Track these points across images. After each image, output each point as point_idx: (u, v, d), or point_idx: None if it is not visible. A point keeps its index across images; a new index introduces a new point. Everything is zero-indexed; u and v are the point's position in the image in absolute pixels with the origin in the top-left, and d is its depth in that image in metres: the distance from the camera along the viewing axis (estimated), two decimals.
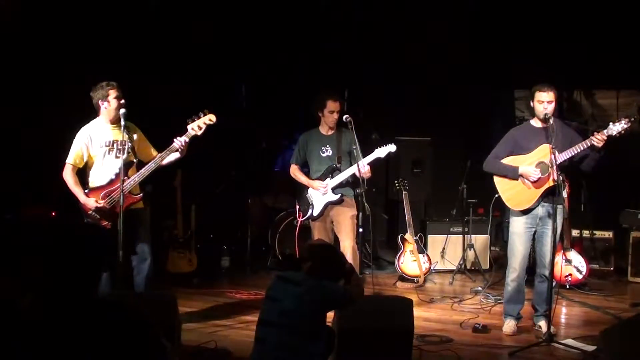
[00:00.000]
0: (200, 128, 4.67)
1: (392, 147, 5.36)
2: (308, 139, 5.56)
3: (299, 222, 5.62)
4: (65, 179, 4.69)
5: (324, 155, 5.46)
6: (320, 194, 5.41)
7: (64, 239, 2.09)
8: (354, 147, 5.21)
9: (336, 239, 5.46)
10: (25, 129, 6.23)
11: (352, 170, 5.29)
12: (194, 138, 4.70)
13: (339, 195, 5.40)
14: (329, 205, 5.42)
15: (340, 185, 5.41)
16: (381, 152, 5.34)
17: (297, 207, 5.61)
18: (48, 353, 1.95)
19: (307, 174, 5.59)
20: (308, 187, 5.48)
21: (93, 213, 4.61)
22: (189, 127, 4.68)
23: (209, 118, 4.69)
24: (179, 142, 4.66)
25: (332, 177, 5.40)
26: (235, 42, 7.51)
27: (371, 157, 5.32)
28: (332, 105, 5.37)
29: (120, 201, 4.44)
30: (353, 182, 5.41)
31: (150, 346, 2.08)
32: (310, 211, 5.46)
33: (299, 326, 3.29)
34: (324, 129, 5.51)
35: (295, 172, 5.60)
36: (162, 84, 6.93)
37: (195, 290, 6.20)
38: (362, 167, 5.18)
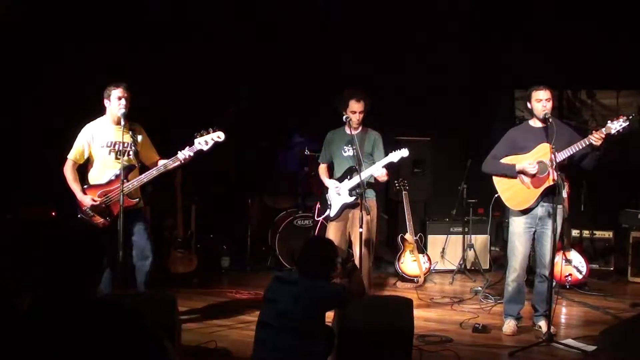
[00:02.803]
0: (207, 143, 4.68)
1: (404, 152, 5.21)
2: (333, 138, 5.53)
3: (319, 222, 5.62)
4: (65, 174, 4.71)
5: (345, 155, 5.41)
6: (336, 194, 5.37)
7: (63, 239, 2.09)
8: (354, 147, 5.20)
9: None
10: (26, 128, 6.24)
11: (368, 172, 5.20)
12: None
13: (354, 197, 5.30)
14: (346, 207, 5.37)
15: (358, 187, 5.28)
16: (394, 156, 5.21)
17: (317, 205, 5.62)
18: (48, 354, 1.95)
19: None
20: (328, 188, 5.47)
21: (88, 210, 4.63)
22: (196, 140, 4.68)
23: (218, 135, 4.70)
24: (184, 155, 4.67)
25: (349, 179, 5.32)
26: (235, 42, 7.52)
27: (384, 161, 5.21)
28: (354, 106, 5.28)
29: (120, 201, 4.45)
30: (374, 183, 5.35)
31: (151, 347, 2.08)
32: (327, 211, 5.44)
33: (297, 326, 3.29)
34: (348, 129, 5.38)
35: (320, 171, 5.62)
36: (162, 85, 6.92)
37: (195, 290, 6.20)
38: (377, 170, 5.14)
